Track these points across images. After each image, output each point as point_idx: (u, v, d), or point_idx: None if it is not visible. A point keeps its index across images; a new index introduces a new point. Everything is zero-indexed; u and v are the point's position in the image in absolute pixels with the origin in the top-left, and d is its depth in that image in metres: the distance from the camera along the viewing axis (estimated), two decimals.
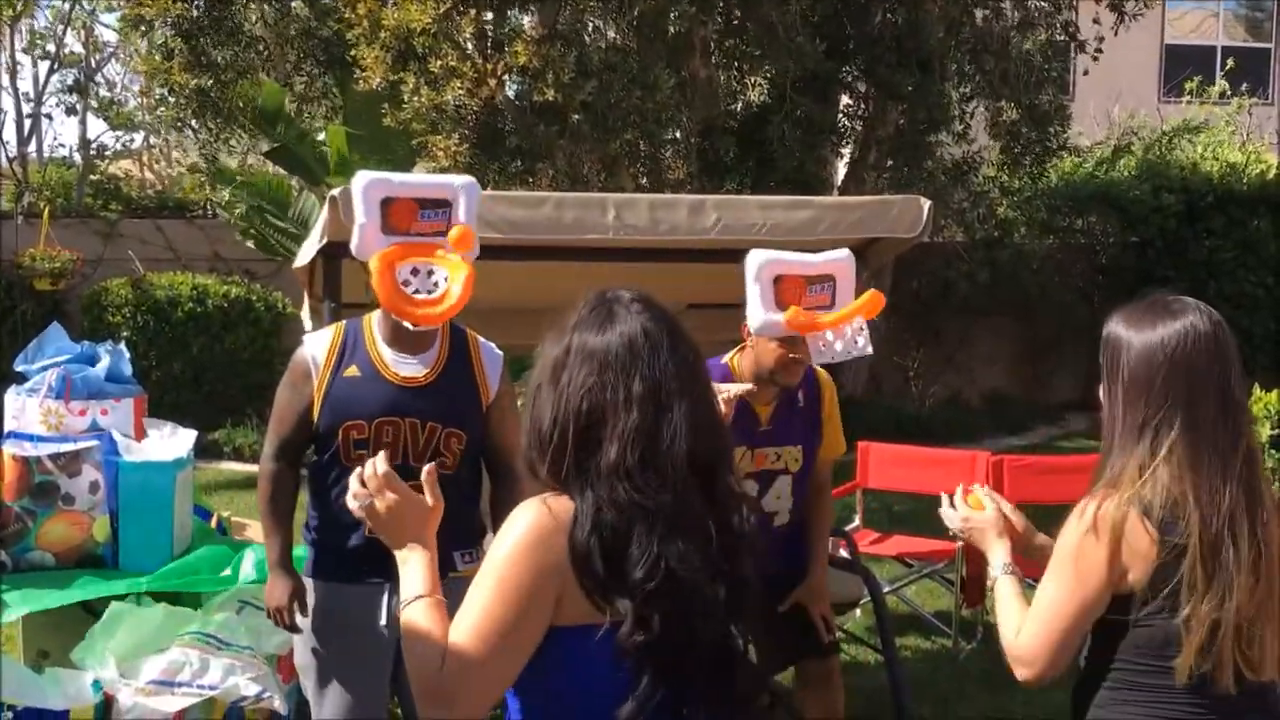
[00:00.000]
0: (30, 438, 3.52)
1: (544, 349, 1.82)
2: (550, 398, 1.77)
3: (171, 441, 3.72)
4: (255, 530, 4.57)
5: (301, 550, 3.19)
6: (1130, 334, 2.03)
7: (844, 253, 3.48)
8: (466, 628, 1.68)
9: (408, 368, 3.06)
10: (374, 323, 3.11)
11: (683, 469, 1.72)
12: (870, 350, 3.42)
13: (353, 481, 1.85)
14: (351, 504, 1.84)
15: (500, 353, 3.24)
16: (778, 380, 3.43)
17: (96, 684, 3.24)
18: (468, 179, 3.15)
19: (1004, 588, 2.15)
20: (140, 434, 3.70)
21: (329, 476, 3.06)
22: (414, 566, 1.79)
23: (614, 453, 1.69)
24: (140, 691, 3.25)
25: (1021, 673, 2.05)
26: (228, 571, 3.54)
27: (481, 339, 3.22)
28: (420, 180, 3.19)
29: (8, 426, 3.62)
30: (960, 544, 5.57)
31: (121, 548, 3.50)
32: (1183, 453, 1.95)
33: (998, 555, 2.21)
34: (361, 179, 3.05)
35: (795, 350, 3.33)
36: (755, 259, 3.35)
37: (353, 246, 3.06)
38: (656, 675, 1.68)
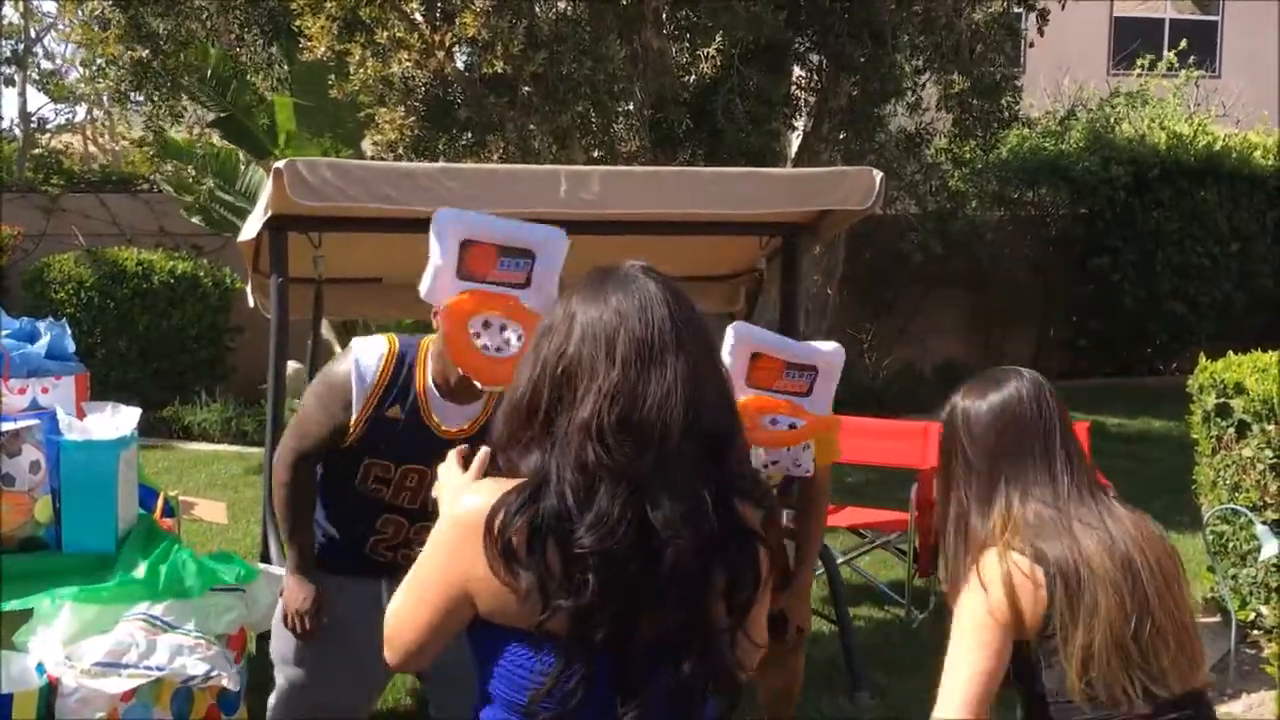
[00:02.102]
0: None
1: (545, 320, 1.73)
2: (528, 365, 1.67)
3: (114, 419, 3.64)
4: (203, 508, 4.51)
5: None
6: (965, 405, 2.21)
7: (832, 346, 3.38)
8: (401, 589, 1.74)
9: (452, 419, 2.89)
10: (428, 357, 2.90)
11: (674, 432, 1.58)
12: (811, 471, 3.35)
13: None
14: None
15: None
16: None
17: (40, 667, 3.18)
18: (557, 231, 2.94)
19: None
20: (81, 413, 3.62)
21: (343, 488, 2.97)
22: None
23: (587, 409, 1.57)
24: (85, 673, 3.20)
25: None
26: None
27: None
28: (505, 226, 2.92)
29: None
30: (913, 515, 5.61)
31: (64, 528, 3.42)
32: (1023, 498, 2.09)
33: None
34: (444, 217, 2.82)
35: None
36: (734, 333, 3.26)
37: (422, 288, 2.82)
38: (585, 655, 1.58)
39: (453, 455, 1.83)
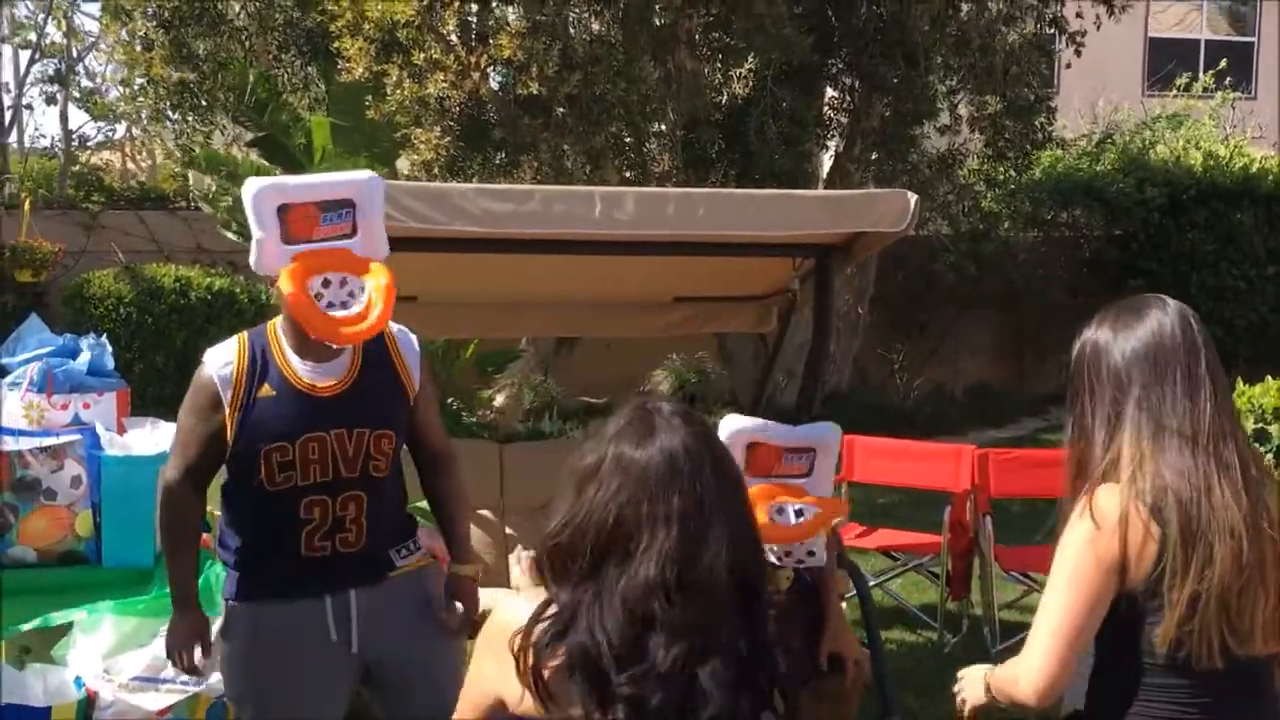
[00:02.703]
0: (12, 432, 3.50)
1: (576, 455, 1.76)
2: (571, 504, 1.70)
3: (154, 435, 3.69)
4: None
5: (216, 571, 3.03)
6: (1099, 335, 2.09)
7: (827, 427, 3.37)
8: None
9: (323, 376, 2.83)
10: (279, 332, 2.87)
11: (723, 589, 1.65)
12: (822, 562, 3.30)
13: None
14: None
15: (416, 340, 3.01)
16: None
17: (79, 680, 3.22)
18: (369, 174, 2.89)
19: (997, 670, 2.13)
20: (122, 429, 3.67)
21: (252, 500, 2.83)
22: None
23: (652, 569, 1.62)
24: (122, 688, 3.24)
25: (1029, 685, 1.99)
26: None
27: (398, 327, 2.97)
28: (319, 181, 2.87)
29: None
30: (945, 537, 5.59)
31: (105, 543, 3.47)
32: (1150, 435, 1.97)
33: (978, 670, 2.20)
34: (251, 187, 2.75)
35: None
36: (729, 425, 3.23)
37: (252, 261, 2.80)
38: None
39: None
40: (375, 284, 2.74)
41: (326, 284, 2.72)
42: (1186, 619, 1.92)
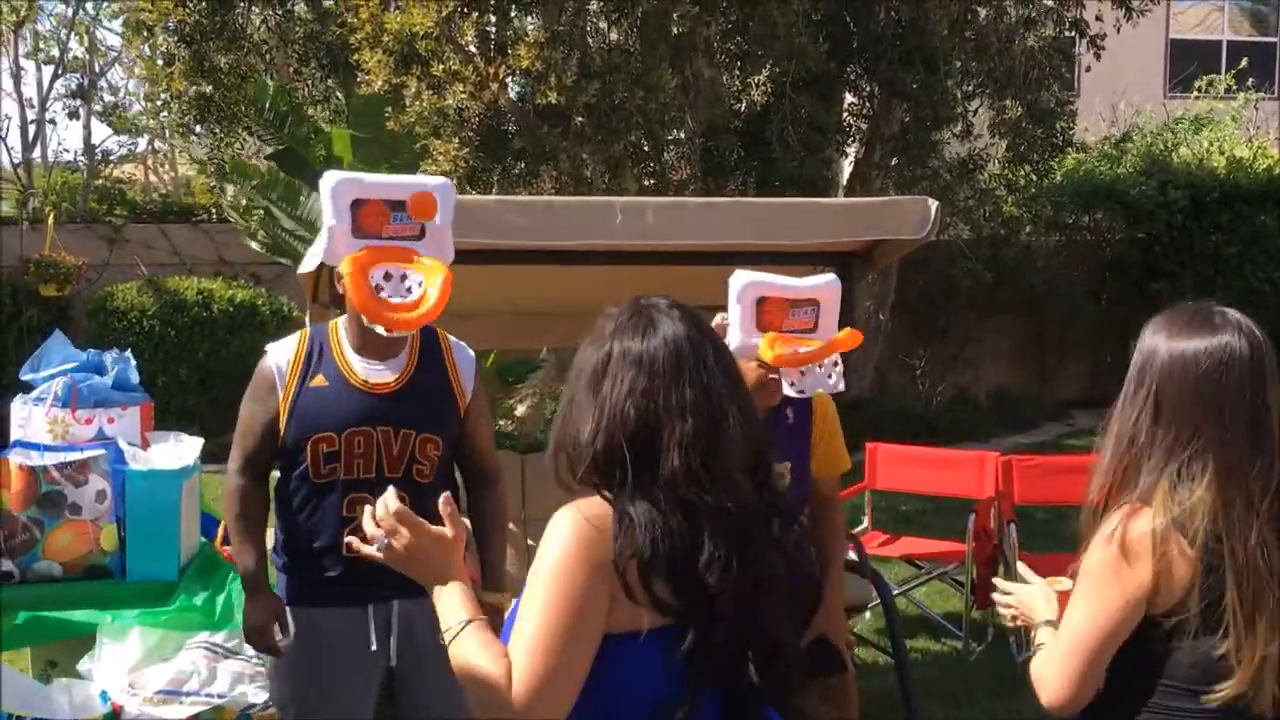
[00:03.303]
0: (37, 447, 3.51)
1: (580, 356, 1.81)
2: (590, 405, 1.75)
3: (178, 449, 3.71)
4: None
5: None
6: (1167, 345, 1.97)
7: (829, 277, 3.43)
8: (528, 644, 1.66)
9: (377, 374, 2.91)
10: (340, 329, 2.97)
11: (744, 473, 1.74)
12: (841, 387, 3.36)
13: (366, 522, 1.81)
14: (367, 548, 1.82)
15: (472, 354, 3.09)
16: (756, 401, 3.40)
17: (104, 694, 3.23)
18: (441, 180, 3.01)
19: (1044, 636, 2.08)
20: (146, 443, 3.69)
21: (299, 494, 2.92)
22: (449, 596, 1.77)
23: (676, 459, 1.69)
24: (147, 701, 3.24)
25: (1045, 698, 1.98)
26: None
27: (454, 340, 3.06)
28: (392, 181, 3.01)
29: (14, 435, 3.62)
30: (970, 545, 5.55)
31: (129, 557, 3.49)
32: (1214, 479, 1.89)
33: (1044, 613, 2.13)
34: (330, 179, 2.88)
35: (774, 370, 3.27)
36: (739, 280, 3.29)
37: (321, 250, 2.92)
38: (713, 678, 1.71)
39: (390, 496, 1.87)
40: (431, 279, 2.83)
41: (388, 277, 2.82)
42: (1257, 680, 1.88)
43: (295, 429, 2.89)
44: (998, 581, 2.33)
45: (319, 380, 2.90)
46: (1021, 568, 2.32)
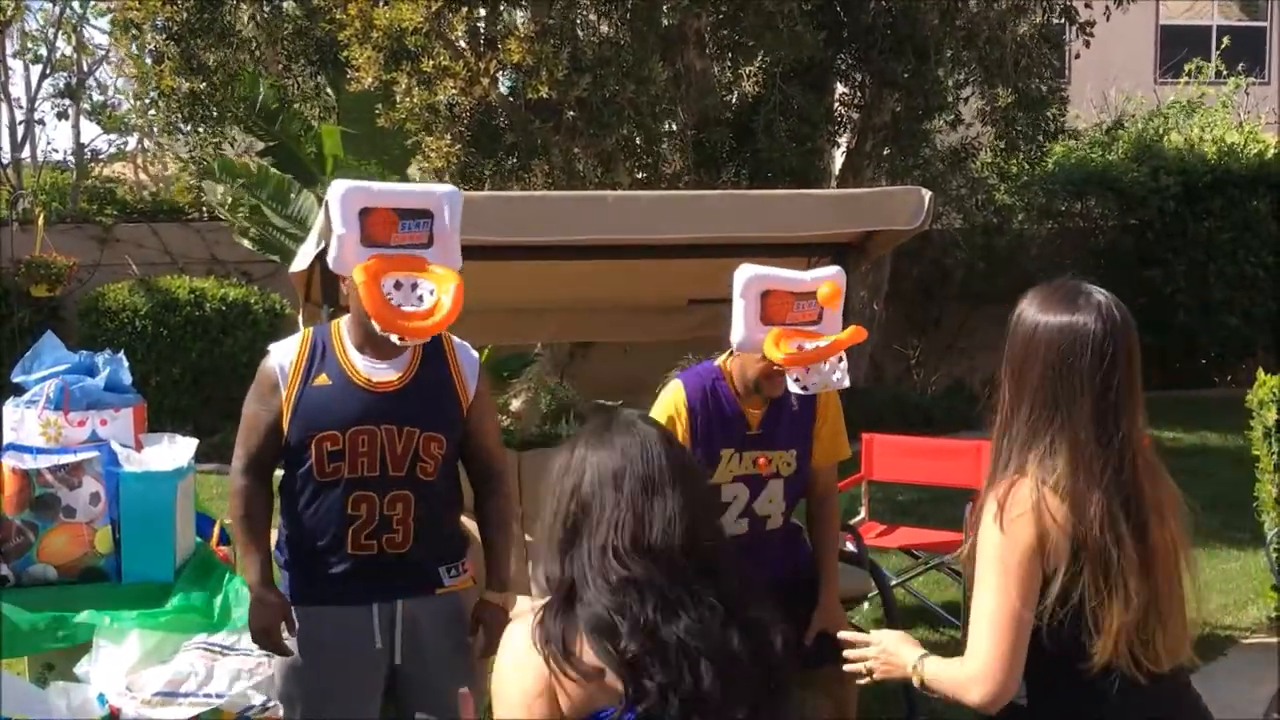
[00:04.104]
0: (30, 450, 3.49)
1: (554, 462, 1.99)
2: (552, 500, 1.94)
3: (172, 451, 3.69)
4: None
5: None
6: (1031, 319, 2.08)
7: (834, 269, 3.44)
8: None
9: (380, 373, 2.93)
10: (343, 329, 2.99)
11: (679, 553, 1.86)
12: (847, 384, 3.36)
13: None
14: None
15: (476, 353, 3.10)
16: (761, 391, 3.41)
17: (101, 697, 3.22)
18: (449, 188, 3.00)
19: (933, 664, 2.09)
20: (139, 445, 3.67)
21: (304, 493, 2.93)
22: None
23: (601, 535, 1.86)
24: (145, 704, 3.23)
25: (980, 693, 1.97)
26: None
27: (457, 339, 3.06)
28: (400, 190, 3.03)
29: (7, 439, 3.59)
30: (966, 535, 5.55)
31: (124, 559, 3.47)
32: (1066, 454, 1.97)
33: (910, 654, 2.15)
34: (338, 188, 2.88)
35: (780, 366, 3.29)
36: (743, 274, 3.29)
37: (330, 258, 2.91)
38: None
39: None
40: (443, 286, 2.83)
41: (398, 286, 2.82)
42: (1107, 643, 1.94)
43: (299, 428, 2.90)
44: (846, 636, 2.33)
45: (322, 379, 2.91)
46: (848, 636, 2.33)
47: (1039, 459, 1.98)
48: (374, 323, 2.81)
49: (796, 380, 3.30)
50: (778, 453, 3.50)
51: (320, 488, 2.92)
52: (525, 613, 1.92)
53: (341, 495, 2.90)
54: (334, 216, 2.86)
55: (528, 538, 4.96)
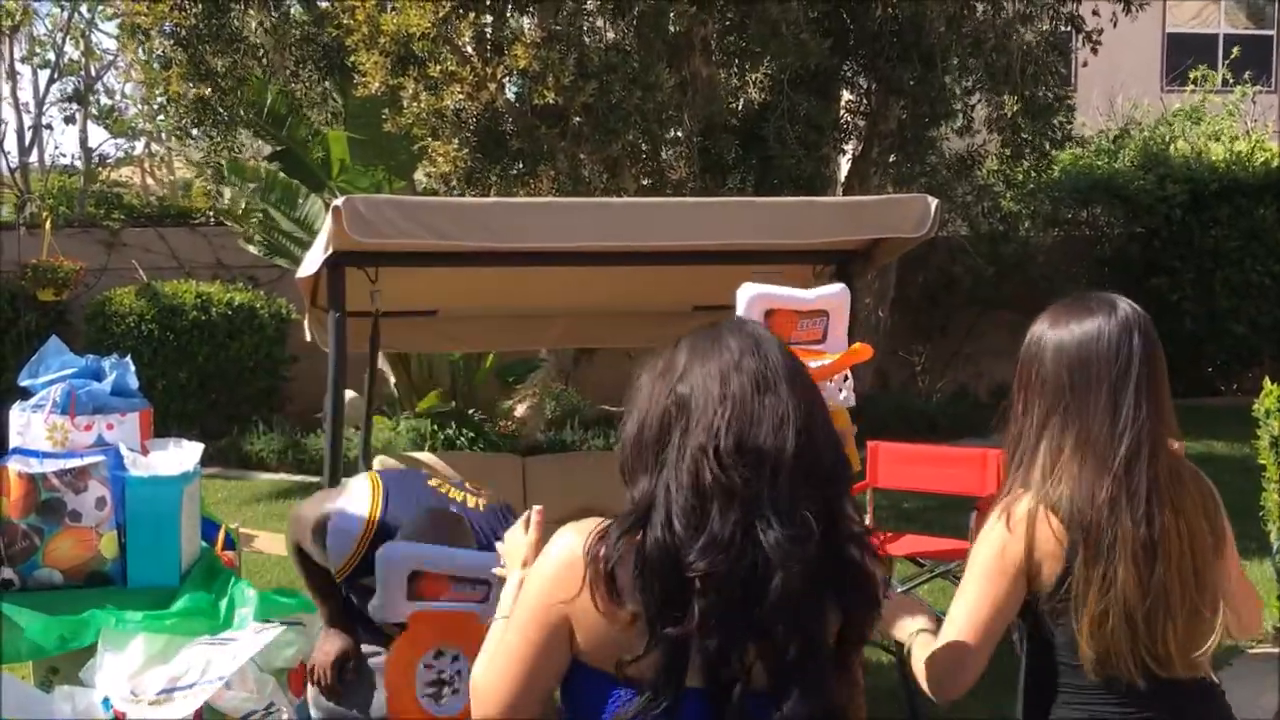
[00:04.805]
0: (36, 454, 3.50)
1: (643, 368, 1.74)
2: (639, 400, 1.69)
3: (178, 455, 3.69)
4: (263, 541, 4.57)
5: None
6: (1044, 333, 2.08)
7: (838, 287, 3.40)
8: (484, 662, 1.73)
9: None
10: None
11: (786, 459, 1.60)
12: (853, 402, 3.31)
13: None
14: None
15: None
16: None
17: (106, 701, 3.22)
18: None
19: (921, 642, 2.09)
20: (146, 449, 3.67)
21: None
22: (507, 586, 1.83)
23: (702, 434, 1.59)
24: (151, 705, 3.23)
25: (933, 687, 2.02)
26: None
27: None
28: (460, 556, 2.83)
29: (13, 443, 3.60)
30: (972, 543, 5.54)
31: (130, 564, 3.47)
32: (1074, 447, 1.98)
33: (910, 624, 2.13)
34: (389, 553, 2.77)
35: None
36: (746, 292, 3.25)
37: (371, 609, 2.84)
38: (698, 676, 1.58)
39: (519, 523, 1.89)
40: None
41: (439, 655, 2.73)
42: (1096, 635, 1.95)
43: (349, 594, 2.95)
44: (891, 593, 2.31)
45: (369, 581, 2.87)
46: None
47: (1045, 470, 2.00)
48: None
49: None
50: None
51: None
52: (591, 523, 1.67)
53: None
54: (378, 580, 2.80)
55: None
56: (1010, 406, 2.10)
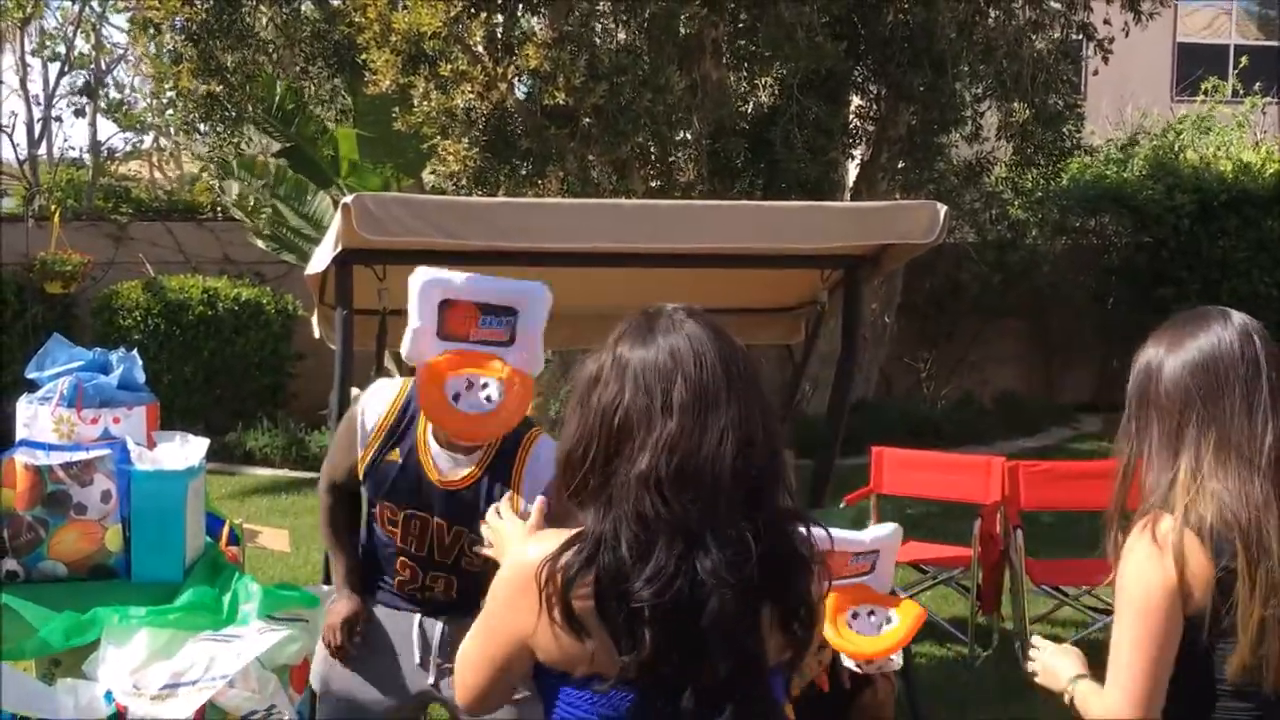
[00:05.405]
0: (42, 446, 3.50)
1: (580, 367, 1.72)
2: (578, 416, 1.66)
3: (184, 450, 3.69)
4: (267, 537, 4.54)
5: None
6: (1160, 355, 2.02)
7: (891, 528, 3.26)
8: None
9: (451, 467, 2.89)
10: None
11: (725, 479, 1.57)
12: (898, 667, 3.16)
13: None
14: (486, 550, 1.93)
15: (550, 454, 2.98)
16: None
17: (109, 695, 3.22)
18: (539, 286, 2.90)
19: (1084, 687, 2.04)
20: (152, 443, 3.68)
21: (369, 525, 3.06)
22: None
23: (645, 461, 1.57)
24: (154, 700, 3.23)
25: None
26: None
27: (542, 444, 2.91)
28: (485, 284, 2.87)
29: (20, 435, 3.60)
30: (976, 550, 5.54)
31: (134, 557, 3.48)
32: (1213, 457, 1.92)
33: (1067, 669, 2.09)
34: (420, 277, 2.80)
35: None
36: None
37: (403, 349, 2.83)
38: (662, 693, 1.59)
39: (505, 503, 1.89)
40: (512, 389, 2.75)
41: (469, 386, 2.74)
42: (1257, 645, 1.88)
43: (369, 487, 2.99)
44: (1037, 641, 2.26)
45: (394, 455, 2.91)
46: (1036, 640, 2.26)
47: (1186, 484, 1.93)
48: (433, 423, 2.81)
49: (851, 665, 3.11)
50: None
51: (380, 536, 3.03)
52: (550, 535, 1.65)
53: (393, 553, 3.01)
54: (411, 306, 2.80)
55: None
56: (1131, 435, 2.03)
